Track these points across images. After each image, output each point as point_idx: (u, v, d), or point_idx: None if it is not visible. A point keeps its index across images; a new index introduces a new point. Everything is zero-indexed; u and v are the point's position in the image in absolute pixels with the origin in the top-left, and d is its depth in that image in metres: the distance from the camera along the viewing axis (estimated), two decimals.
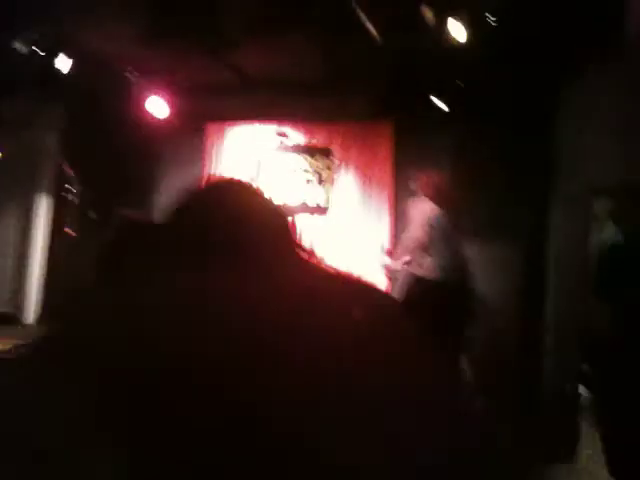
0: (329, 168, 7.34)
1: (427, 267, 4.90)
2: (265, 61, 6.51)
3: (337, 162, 7.31)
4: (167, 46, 6.07)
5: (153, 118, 7.11)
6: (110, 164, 7.18)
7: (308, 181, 7.40)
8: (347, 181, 7.32)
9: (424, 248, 4.94)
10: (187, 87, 7.16)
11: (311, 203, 7.34)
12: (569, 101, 5.99)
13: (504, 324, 6.11)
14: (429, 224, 4.98)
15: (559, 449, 5.17)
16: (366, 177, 7.20)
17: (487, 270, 6.49)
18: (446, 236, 5.00)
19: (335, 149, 7.33)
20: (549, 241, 6.04)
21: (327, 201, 7.31)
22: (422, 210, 5.06)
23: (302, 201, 7.34)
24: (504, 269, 6.38)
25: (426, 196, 5.14)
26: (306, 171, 7.42)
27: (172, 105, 7.13)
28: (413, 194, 5.28)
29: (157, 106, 7.05)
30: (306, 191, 7.39)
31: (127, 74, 6.72)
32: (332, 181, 7.32)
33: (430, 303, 4.61)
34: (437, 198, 5.09)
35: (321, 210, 7.31)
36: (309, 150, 7.43)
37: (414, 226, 5.01)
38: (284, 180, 7.41)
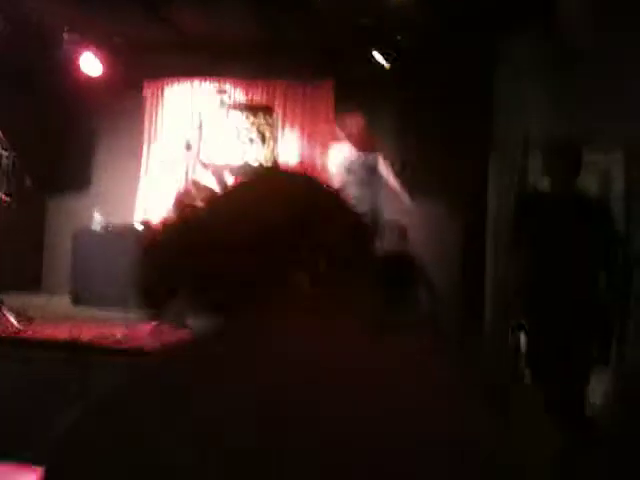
0: (271, 126, 7.29)
1: None
2: (202, 19, 6.37)
3: (279, 120, 7.26)
4: (101, 2, 5.89)
5: (88, 76, 6.90)
6: (44, 128, 7.01)
7: (251, 140, 7.34)
8: (289, 139, 7.30)
9: None
10: (123, 44, 6.96)
11: (253, 162, 7.30)
12: (505, 57, 6.08)
13: (446, 278, 6.25)
14: (345, 167, 5.09)
15: (497, 400, 5.39)
16: (308, 135, 7.18)
17: (428, 224, 6.64)
18: (361, 180, 5.09)
19: (276, 108, 7.28)
20: (487, 194, 6.18)
21: (270, 160, 7.28)
22: (339, 154, 5.19)
23: (244, 160, 7.29)
24: (445, 224, 6.51)
25: (348, 140, 5.21)
26: (248, 130, 7.36)
27: (108, 63, 6.92)
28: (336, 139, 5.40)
29: (91, 64, 6.83)
30: (247, 149, 7.34)
31: (60, 32, 6.48)
32: (275, 139, 7.28)
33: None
34: (358, 142, 5.19)
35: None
36: (250, 108, 7.35)
37: (329, 170, 5.12)
38: (225, 139, 7.34)
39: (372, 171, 5.15)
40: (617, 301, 3.75)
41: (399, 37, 6.31)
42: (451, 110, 6.27)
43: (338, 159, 5.18)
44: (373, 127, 6.85)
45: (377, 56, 6.38)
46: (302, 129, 7.19)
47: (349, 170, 5.07)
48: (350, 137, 5.17)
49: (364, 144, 5.18)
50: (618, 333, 5.91)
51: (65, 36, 6.44)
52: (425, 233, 6.58)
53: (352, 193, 4.94)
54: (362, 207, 4.92)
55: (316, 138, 7.13)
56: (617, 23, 5.80)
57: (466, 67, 5.99)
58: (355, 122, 5.25)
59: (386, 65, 6.38)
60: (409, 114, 6.75)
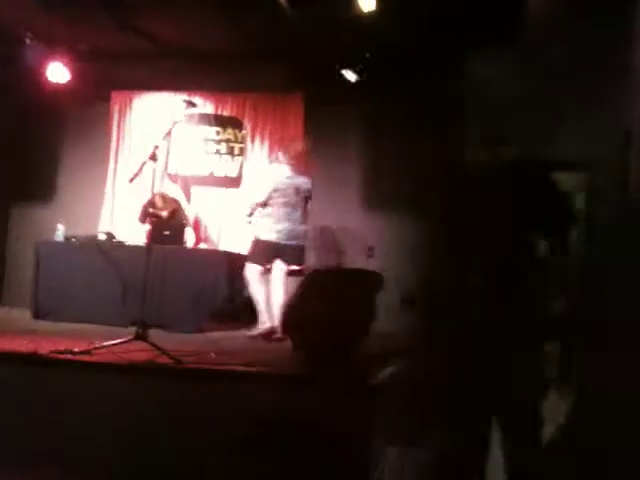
0: (239, 139, 7.26)
1: (265, 227, 5.48)
2: (171, 28, 6.33)
3: (247, 133, 7.23)
4: (68, 11, 5.83)
5: (54, 85, 6.80)
6: (7, 136, 6.91)
7: (217, 151, 7.29)
8: (258, 152, 7.26)
9: (264, 209, 5.50)
10: (91, 54, 6.88)
11: (218, 173, 7.25)
12: (475, 72, 6.14)
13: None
14: (274, 186, 5.48)
15: None
16: (277, 148, 7.14)
17: (399, 240, 6.66)
18: (287, 200, 5.48)
19: (245, 120, 7.25)
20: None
21: (237, 172, 7.23)
22: (271, 173, 5.62)
23: (210, 172, 7.24)
24: (415, 239, 6.52)
25: (289, 163, 5.57)
26: (215, 142, 7.31)
27: (75, 72, 6.83)
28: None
29: (57, 72, 6.73)
30: (214, 162, 7.29)
31: (26, 40, 6.38)
32: (242, 152, 7.24)
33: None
34: (298, 166, 5.58)
35: (232, 182, 7.23)
36: (219, 120, 7.32)
37: (260, 188, 5.53)
38: (193, 151, 7.29)
39: (297, 192, 5.52)
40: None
41: (367, 54, 6.35)
42: (419, 122, 6.32)
43: (270, 178, 5.57)
44: (341, 140, 6.93)
45: (345, 72, 6.40)
46: (271, 141, 7.16)
47: (276, 190, 5.45)
48: (292, 160, 5.54)
49: (304, 168, 5.60)
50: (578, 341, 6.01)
51: (28, 43, 6.34)
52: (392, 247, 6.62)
53: (276, 211, 5.44)
54: (283, 224, 5.44)
55: (285, 150, 7.10)
56: (584, 37, 5.93)
57: (435, 82, 6.04)
58: (298, 148, 5.69)
59: (353, 80, 6.40)
60: (377, 127, 6.78)
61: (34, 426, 3.72)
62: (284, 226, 5.47)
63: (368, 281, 4.05)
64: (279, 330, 5.20)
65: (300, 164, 5.62)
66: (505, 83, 5.80)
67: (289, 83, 6.89)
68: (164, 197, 6.58)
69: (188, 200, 7.16)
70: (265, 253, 5.49)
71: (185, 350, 4.19)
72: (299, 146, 5.76)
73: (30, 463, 3.55)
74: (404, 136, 6.50)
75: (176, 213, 6.53)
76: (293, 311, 4.05)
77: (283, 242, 5.47)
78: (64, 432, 3.69)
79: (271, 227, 5.47)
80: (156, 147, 4.35)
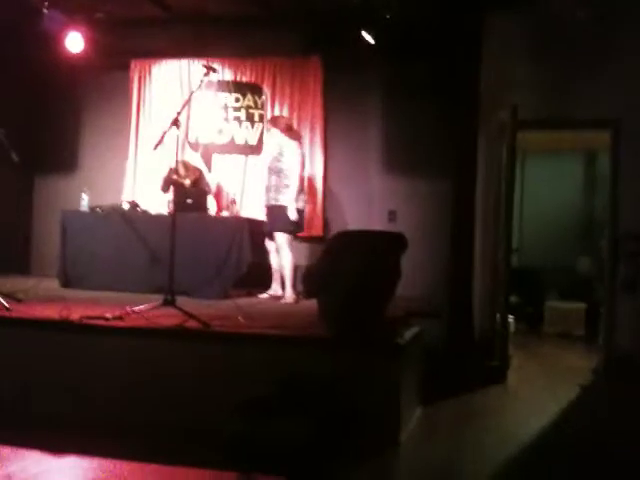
0: (259, 105, 7.23)
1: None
2: None
3: (268, 98, 7.20)
4: None
5: (73, 55, 6.81)
6: (28, 107, 6.93)
7: (237, 118, 7.28)
8: None
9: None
10: (108, 22, 6.88)
11: (239, 141, 7.25)
12: (492, 33, 6.07)
13: (437, 257, 6.28)
14: (303, 158, 6.05)
15: (491, 373, 5.47)
16: (297, 112, 7.11)
17: (419, 203, 6.65)
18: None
19: (264, 85, 7.21)
20: (477, 175, 6.18)
21: (257, 139, 7.22)
22: (296, 146, 5.99)
23: (230, 139, 7.24)
24: (435, 203, 6.51)
25: (282, 132, 6.01)
26: (236, 109, 7.30)
27: (93, 41, 6.83)
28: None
29: (76, 42, 6.73)
30: (235, 129, 7.28)
31: (43, 9, 6.37)
32: (262, 119, 7.22)
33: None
34: (289, 134, 6.01)
35: (253, 149, 7.23)
36: (238, 87, 7.29)
37: (300, 162, 5.92)
38: (213, 118, 7.28)
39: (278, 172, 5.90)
40: None
41: (387, 15, 6.26)
42: (438, 85, 6.26)
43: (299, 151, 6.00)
44: (360, 104, 6.89)
45: (365, 34, 6.33)
46: (291, 106, 7.13)
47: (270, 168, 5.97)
48: (283, 131, 6.00)
49: (294, 135, 6.09)
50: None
51: (45, 12, 6.34)
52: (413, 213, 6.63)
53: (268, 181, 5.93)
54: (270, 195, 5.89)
55: (305, 114, 7.08)
56: None
57: (453, 43, 5.96)
58: (284, 121, 6.17)
59: (372, 42, 6.34)
60: (396, 90, 6.73)
61: (72, 390, 3.82)
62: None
63: (393, 242, 4.06)
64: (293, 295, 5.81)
65: (291, 133, 6.07)
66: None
67: (308, 46, 6.83)
68: (186, 165, 6.61)
69: (209, 168, 7.18)
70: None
71: (213, 314, 4.26)
72: (286, 120, 6.26)
73: (64, 426, 3.66)
74: (422, 101, 6.46)
75: (198, 181, 6.56)
76: (318, 274, 4.06)
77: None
78: (100, 394, 3.79)
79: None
80: (178, 113, 4.37)
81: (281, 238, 5.85)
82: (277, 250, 5.94)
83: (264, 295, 6.06)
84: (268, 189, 5.95)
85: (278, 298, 5.92)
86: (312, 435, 3.31)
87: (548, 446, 3.87)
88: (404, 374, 3.88)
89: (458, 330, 5.68)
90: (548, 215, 9.20)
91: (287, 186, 5.82)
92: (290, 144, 5.97)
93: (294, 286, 5.85)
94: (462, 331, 5.73)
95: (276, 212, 5.84)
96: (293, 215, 5.77)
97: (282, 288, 5.98)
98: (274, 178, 5.89)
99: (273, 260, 6.09)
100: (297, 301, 5.79)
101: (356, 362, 3.62)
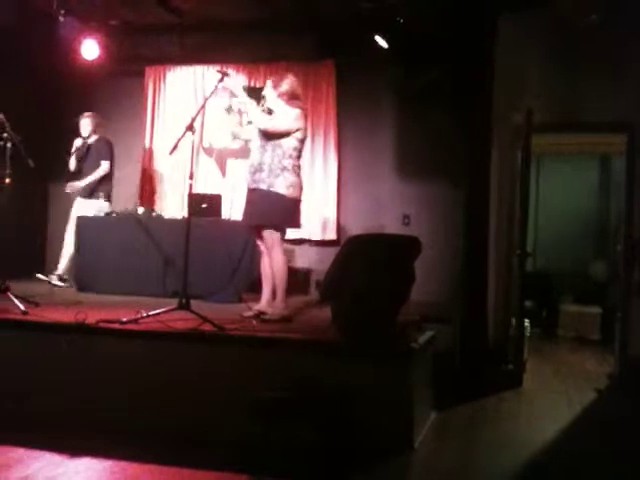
0: None
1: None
2: (202, 2, 6.34)
3: None
4: None
5: (88, 61, 6.88)
6: (42, 113, 6.98)
7: (250, 123, 7.30)
8: None
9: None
10: (123, 29, 6.95)
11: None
12: (505, 37, 6.08)
13: (451, 262, 6.26)
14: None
15: (506, 378, 5.45)
16: (310, 117, 7.13)
17: (432, 208, 6.64)
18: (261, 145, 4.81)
19: None
20: (491, 179, 6.17)
21: None
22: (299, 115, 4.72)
23: (243, 144, 7.25)
24: (449, 207, 6.49)
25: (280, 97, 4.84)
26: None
27: (108, 48, 6.90)
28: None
29: (89, 48, 6.81)
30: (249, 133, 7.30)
31: (59, 17, 6.44)
32: None
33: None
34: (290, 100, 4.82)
35: None
36: (252, 92, 7.30)
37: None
38: (226, 122, 7.31)
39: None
40: None
41: (399, 19, 6.28)
42: (451, 90, 6.25)
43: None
44: (373, 107, 6.89)
45: (378, 39, 6.36)
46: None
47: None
48: (282, 96, 4.81)
49: (295, 104, 4.77)
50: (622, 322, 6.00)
51: (62, 19, 6.41)
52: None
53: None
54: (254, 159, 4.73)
55: (318, 119, 7.09)
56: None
57: (466, 47, 5.95)
58: (289, 86, 4.85)
59: (385, 46, 6.36)
60: (409, 94, 6.73)
61: (88, 392, 3.86)
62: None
63: (407, 247, 4.06)
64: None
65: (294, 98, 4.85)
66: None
67: (321, 51, 6.86)
68: None
69: (223, 173, 7.22)
70: None
71: (227, 318, 4.28)
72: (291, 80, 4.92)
73: (82, 428, 3.70)
74: (435, 104, 6.46)
75: None
76: (331, 278, 4.07)
77: None
78: (116, 397, 3.82)
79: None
80: (193, 119, 4.40)
81: (271, 236, 4.64)
82: (266, 252, 4.73)
83: (248, 313, 4.66)
84: (258, 168, 4.64)
85: (264, 313, 4.61)
86: (324, 439, 3.32)
87: (563, 452, 3.85)
88: (418, 379, 3.88)
89: (472, 334, 5.66)
90: (563, 219, 9.15)
91: (285, 168, 4.58)
92: (288, 111, 4.72)
93: (285, 299, 4.66)
94: (476, 335, 5.71)
95: (266, 200, 4.57)
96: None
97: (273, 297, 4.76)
98: (268, 155, 4.62)
99: (266, 262, 4.78)
100: (287, 318, 4.59)
101: (369, 367, 3.62)
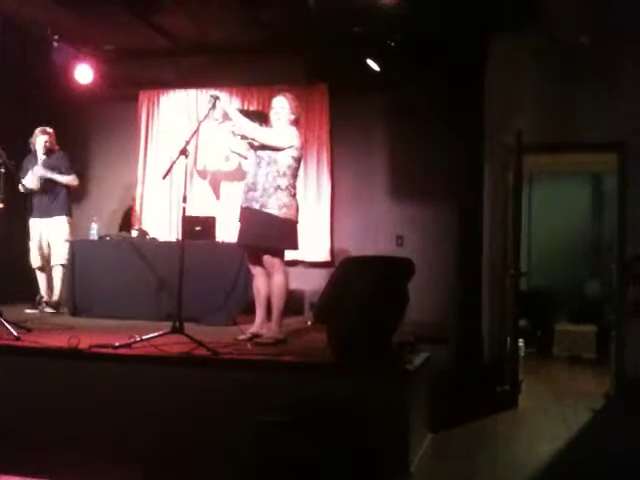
0: None
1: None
2: (195, 26, 6.40)
3: None
4: (90, 10, 5.92)
5: (82, 86, 6.92)
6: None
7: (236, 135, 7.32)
8: None
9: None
10: (116, 54, 6.99)
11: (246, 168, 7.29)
12: (495, 56, 6.15)
13: (445, 282, 6.27)
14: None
15: (501, 399, 5.43)
16: (304, 137, 7.16)
17: (426, 228, 6.65)
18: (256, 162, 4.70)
19: None
20: (484, 199, 6.20)
21: None
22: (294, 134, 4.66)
23: (237, 166, 7.28)
24: (442, 227, 6.51)
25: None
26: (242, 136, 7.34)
27: (101, 73, 6.94)
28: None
29: (85, 74, 6.85)
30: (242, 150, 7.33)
31: (53, 41, 6.49)
32: None
33: None
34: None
35: None
36: (246, 115, 7.33)
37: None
38: (219, 145, 7.34)
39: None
40: None
41: (391, 42, 6.34)
42: (443, 110, 6.30)
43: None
44: (366, 129, 6.93)
45: (370, 62, 6.41)
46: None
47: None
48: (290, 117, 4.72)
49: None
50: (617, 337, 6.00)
51: (55, 44, 6.45)
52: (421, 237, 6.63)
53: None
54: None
55: (312, 140, 7.12)
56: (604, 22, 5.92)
57: (457, 67, 6.02)
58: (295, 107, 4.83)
59: (377, 69, 6.41)
60: (401, 115, 6.77)
61: (81, 418, 3.82)
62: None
63: (400, 268, 4.07)
64: None
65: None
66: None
67: (314, 73, 6.91)
68: None
69: (217, 196, 7.22)
70: None
71: (221, 342, 4.26)
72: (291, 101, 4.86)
73: (74, 454, 3.66)
74: (428, 125, 6.51)
75: None
76: (326, 300, 4.06)
77: None
78: (109, 422, 3.79)
79: None
80: (187, 143, 4.40)
81: (271, 261, 4.53)
82: (266, 273, 4.61)
83: (242, 336, 4.56)
84: (251, 187, 4.54)
85: (258, 336, 4.55)
86: (321, 462, 3.30)
87: (559, 474, 3.83)
88: (413, 400, 3.86)
89: (467, 355, 5.66)
90: (556, 238, 9.18)
91: (279, 188, 4.47)
92: (286, 128, 4.65)
93: (280, 322, 4.57)
94: (471, 356, 5.70)
95: (257, 221, 4.47)
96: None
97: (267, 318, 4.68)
98: (262, 171, 4.51)
99: (258, 284, 4.70)
100: (282, 341, 4.52)
101: (365, 388, 3.60)
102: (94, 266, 6.18)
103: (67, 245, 6.25)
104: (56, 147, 6.39)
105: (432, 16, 5.69)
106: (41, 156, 6.24)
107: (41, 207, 6.29)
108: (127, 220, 7.49)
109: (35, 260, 6.35)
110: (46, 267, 6.38)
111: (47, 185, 6.25)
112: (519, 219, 5.92)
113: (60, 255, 6.27)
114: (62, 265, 6.28)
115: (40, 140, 6.25)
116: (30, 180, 6.14)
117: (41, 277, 6.41)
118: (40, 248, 6.33)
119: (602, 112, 6.08)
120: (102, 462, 3.60)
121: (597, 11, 6.04)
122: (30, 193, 6.22)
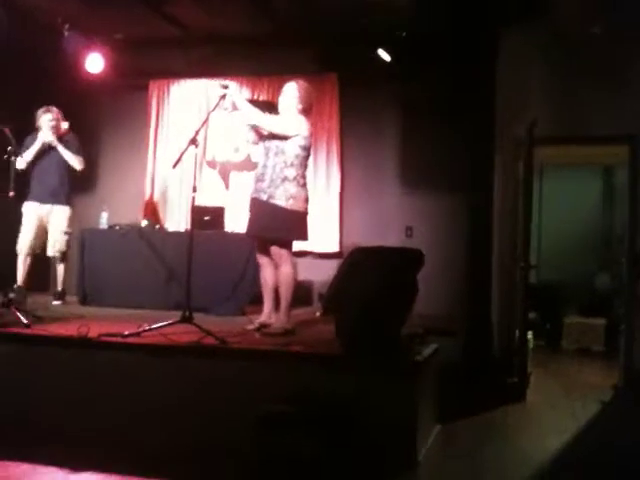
0: None
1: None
2: (204, 14, 6.38)
3: None
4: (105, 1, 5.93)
5: (92, 75, 6.92)
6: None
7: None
8: None
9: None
10: (127, 43, 6.99)
11: (256, 159, 7.29)
12: (506, 50, 6.11)
13: (455, 274, 6.26)
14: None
15: (510, 391, 5.42)
16: (314, 128, 7.14)
17: (435, 220, 6.64)
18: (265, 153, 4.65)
19: None
20: (494, 191, 6.18)
21: None
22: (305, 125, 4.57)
23: (247, 157, 7.27)
24: (452, 219, 6.50)
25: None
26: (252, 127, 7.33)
27: (113, 62, 6.94)
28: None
29: (95, 63, 6.86)
30: (251, 147, 7.32)
31: (63, 30, 6.49)
32: None
33: None
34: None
35: None
36: (256, 105, 7.32)
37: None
38: (229, 136, 7.34)
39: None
40: None
41: (403, 33, 6.32)
42: (453, 102, 6.26)
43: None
44: (376, 120, 6.91)
45: (381, 53, 6.39)
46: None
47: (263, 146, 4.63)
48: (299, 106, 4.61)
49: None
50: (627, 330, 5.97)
51: (66, 33, 6.45)
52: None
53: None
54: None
55: (321, 131, 7.10)
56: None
57: (468, 60, 5.98)
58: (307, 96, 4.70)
59: (388, 59, 6.39)
60: (412, 106, 6.74)
61: (89, 407, 3.84)
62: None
63: (409, 259, 4.05)
64: None
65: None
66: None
67: (324, 64, 6.89)
68: None
69: (227, 186, 7.22)
70: None
71: (230, 332, 4.27)
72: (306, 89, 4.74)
73: (82, 443, 3.68)
74: (437, 118, 6.48)
75: None
76: (334, 291, 4.06)
77: None
78: (117, 411, 3.81)
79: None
80: (196, 132, 4.40)
81: (279, 252, 4.51)
82: (273, 264, 4.59)
83: (251, 326, 4.61)
84: (260, 178, 4.52)
85: (266, 326, 4.56)
86: (327, 454, 3.30)
87: (568, 466, 3.82)
88: (422, 392, 3.86)
89: (476, 347, 5.65)
90: (566, 230, 9.13)
91: (286, 179, 4.43)
92: (294, 115, 4.59)
93: (288, 312, 4.54)
94: (480, 348, 5.69)
95: (265, 212, 4.45)
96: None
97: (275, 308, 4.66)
98: (271, 161, 4.49)
99: (265, 274, 4.70)
100: (290, 331, 4.49)
101: (373, 380, 3.60)
102: (104, 255, 6.21)
103: (66, 237, 6.11)
104: (64, 129, 6.17)
105: (444, 13, 5.67)
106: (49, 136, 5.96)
107: (43, 192, 6.01)
108: (148, 209, 7.47)
109: (25, 245, 5.97)
110: (31, 255, 6.02)
111: (51, 168, 6.00)
112: (529, 212, 5.89)
113: (58, 244, 6.06)
114: (62, 253, 6.11)
115: (45, 119, 5.98)
116: (30, 154, 5.91)
117: (25, 264, 6.00)
118: (36, 234, 6.01)
119: (613, 105, 6.02)
120: (109, 450, 3.61)
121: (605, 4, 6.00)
122: (31, 175, 5.97)
